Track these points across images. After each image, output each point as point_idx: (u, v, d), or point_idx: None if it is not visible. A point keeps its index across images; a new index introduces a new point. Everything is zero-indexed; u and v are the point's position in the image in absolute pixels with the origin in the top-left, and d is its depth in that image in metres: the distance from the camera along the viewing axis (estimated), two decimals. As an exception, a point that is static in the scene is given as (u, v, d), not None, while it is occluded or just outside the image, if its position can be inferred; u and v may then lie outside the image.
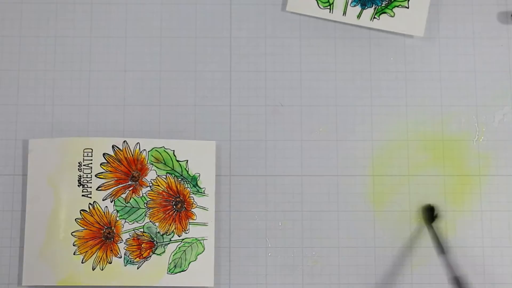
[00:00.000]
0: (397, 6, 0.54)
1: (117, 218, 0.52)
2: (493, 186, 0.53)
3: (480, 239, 0.53)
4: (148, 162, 0.52)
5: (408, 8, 0.54)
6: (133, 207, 0.52)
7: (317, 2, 0.54)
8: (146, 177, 0.52)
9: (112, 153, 0.52)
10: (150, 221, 0.52)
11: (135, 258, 0.52)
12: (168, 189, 0.52)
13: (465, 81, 0.55)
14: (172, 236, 0.52)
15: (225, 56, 0.55)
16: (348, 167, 0.54)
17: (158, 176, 0.52)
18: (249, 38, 0.55)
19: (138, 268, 0.51)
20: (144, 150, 0.52)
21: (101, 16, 0.55)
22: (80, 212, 0.52)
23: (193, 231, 0.52)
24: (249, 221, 0.53)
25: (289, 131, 0.54)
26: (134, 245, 0.52)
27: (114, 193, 0.52)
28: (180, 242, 0.52)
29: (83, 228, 0.52)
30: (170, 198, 0.52)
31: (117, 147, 0.52)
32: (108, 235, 0.52)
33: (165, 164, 0.52)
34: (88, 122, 0.54)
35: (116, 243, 0.52)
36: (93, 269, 0.51)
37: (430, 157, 0.54)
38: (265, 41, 0.55)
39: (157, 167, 0.52)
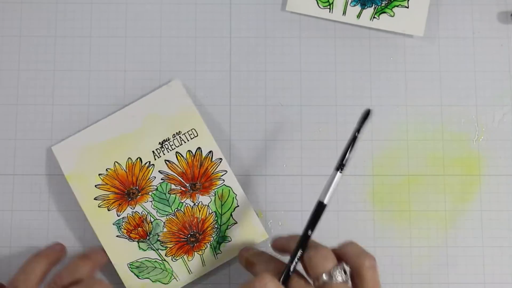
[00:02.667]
0: (397, 6, 0.54)
1: (152, 205, 0.52)
2: (493, 186, 0.53)
3: (480, 239, 0.53)
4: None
5: (408, 8, 0.54)
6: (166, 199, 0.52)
7: (317, 2, 0.55)
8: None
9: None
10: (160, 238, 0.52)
11: (125, 232, 0.52)
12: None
13: (465, 81, 0.55)
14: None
15: (225, 56, 0.55)
16: (348, 167, 0.54)
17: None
18: (249, 38, 0.55)
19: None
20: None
21: (101, 16, 0.55)
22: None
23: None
24: (249, 221, 0.53)
25: (289, 131, 0.54)
26: (133, 224, 0.52)
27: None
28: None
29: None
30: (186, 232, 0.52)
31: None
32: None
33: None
34: (88, 121, 0.54)
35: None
36: None
37: (430, 157, 0.54)
38: (265, 41, 0.55)
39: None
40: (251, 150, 0.54)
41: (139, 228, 0.51)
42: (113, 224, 0.51)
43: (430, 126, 0.54)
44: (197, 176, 0.52)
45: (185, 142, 0.52)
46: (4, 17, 0.55)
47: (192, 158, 0.52)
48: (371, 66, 0.55)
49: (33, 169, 0.53)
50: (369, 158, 0.54)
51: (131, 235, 0.51)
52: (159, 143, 0.52)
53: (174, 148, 0.52)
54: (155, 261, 0.51)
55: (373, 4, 0.54)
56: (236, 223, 0.52)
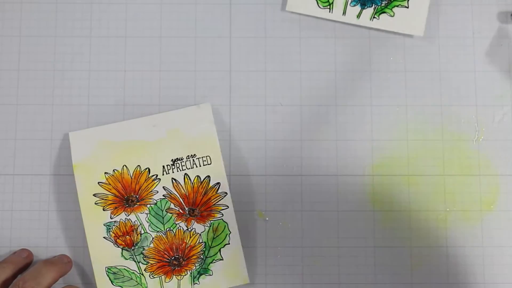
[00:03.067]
0: (397, 6, 0.54)
1: (146, 219, 0.52)
2: (493, 186, 0.53)
3: (480, 239, 0.53)
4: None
5: (408, 8, 0.54)
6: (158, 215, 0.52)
7: (317, 2, 0.55)
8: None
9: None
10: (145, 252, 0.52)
11: (112, 236, 0.52)
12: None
13: (465, 81, 0.55)
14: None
15: (225, 56, 0.55)
16: (348, 167, 0.54)
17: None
18: (249, 38, 0.55)
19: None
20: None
21: (101, 16, 0.55)
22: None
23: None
24: (249, 221, 0.53)
25: (289, 131, 0.54)
26: (122, 230, 0.52)
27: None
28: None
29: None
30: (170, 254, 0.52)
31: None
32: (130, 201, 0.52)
33: None
34: (87, 122, 0.54)
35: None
36: None
37: (430, 157, 0.54)
38: (265, 41, 0.55)
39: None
40: (251, 150, 0.54)
41: (127, 236, 0.51)
42: (104, 225, 0.51)
43: (430, 126, 0.54)
44: (198, 202, 0.52)
45: (196, 167, 0.52)
46: (4, 17, 0.55)
47: (199, 184, 0.52)
48: (371, 66, 0.55)
49: (33, 169, 0.53)
50: (369, 158, 0.54)
51: (118, 240, 0.51)
52: (172, 160, 0.52)
53: (185, 169, 0.52)
54: (133, 273, 0.51)
55: (373, 4, 0.54)
56: (222, 259, 0.51)
